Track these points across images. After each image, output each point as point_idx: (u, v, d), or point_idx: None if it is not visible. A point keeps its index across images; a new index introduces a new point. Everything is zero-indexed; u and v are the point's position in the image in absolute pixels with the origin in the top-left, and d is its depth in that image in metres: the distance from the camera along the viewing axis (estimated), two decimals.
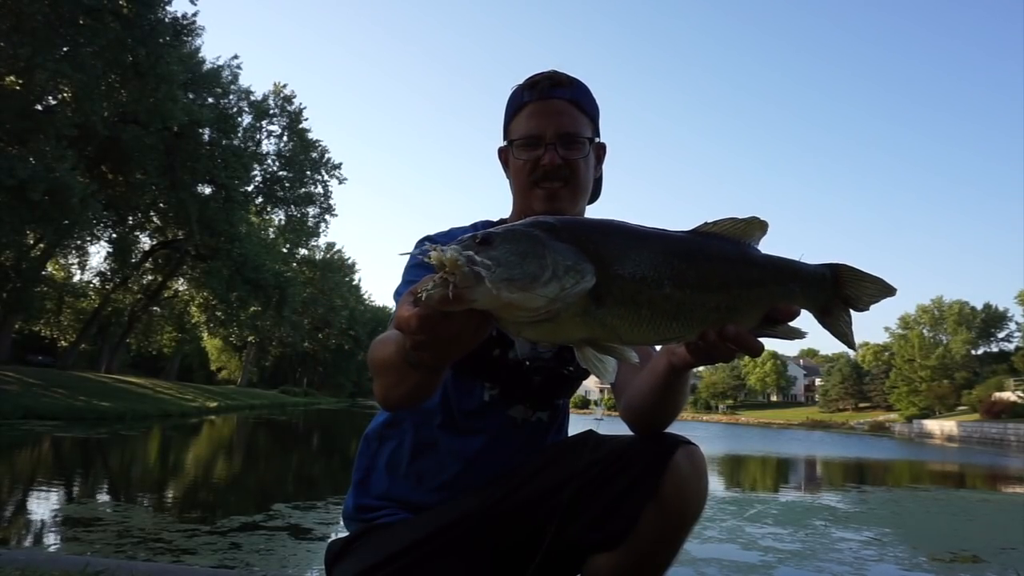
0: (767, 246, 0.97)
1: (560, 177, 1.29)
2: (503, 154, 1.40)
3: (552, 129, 1.29)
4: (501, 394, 1.33)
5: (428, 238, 1.34)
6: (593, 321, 0.80)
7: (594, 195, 1.45)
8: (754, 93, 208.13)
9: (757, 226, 0.93)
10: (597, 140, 1.37)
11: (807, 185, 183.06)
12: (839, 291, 0.98)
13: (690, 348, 0.94)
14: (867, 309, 1.00)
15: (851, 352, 1.04)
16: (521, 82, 1.35)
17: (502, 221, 1.41)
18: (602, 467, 1.19)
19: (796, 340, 0.95)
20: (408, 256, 1.31)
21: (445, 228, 1.39)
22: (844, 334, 1.00)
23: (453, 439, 1.31)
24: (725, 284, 0.89)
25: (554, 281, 0.75)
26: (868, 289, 0.98)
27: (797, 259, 0.98)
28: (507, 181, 1.41)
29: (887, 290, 0.98)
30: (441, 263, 0.72)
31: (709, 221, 0.93)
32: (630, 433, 1.26)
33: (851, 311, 1.00)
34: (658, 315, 0.83)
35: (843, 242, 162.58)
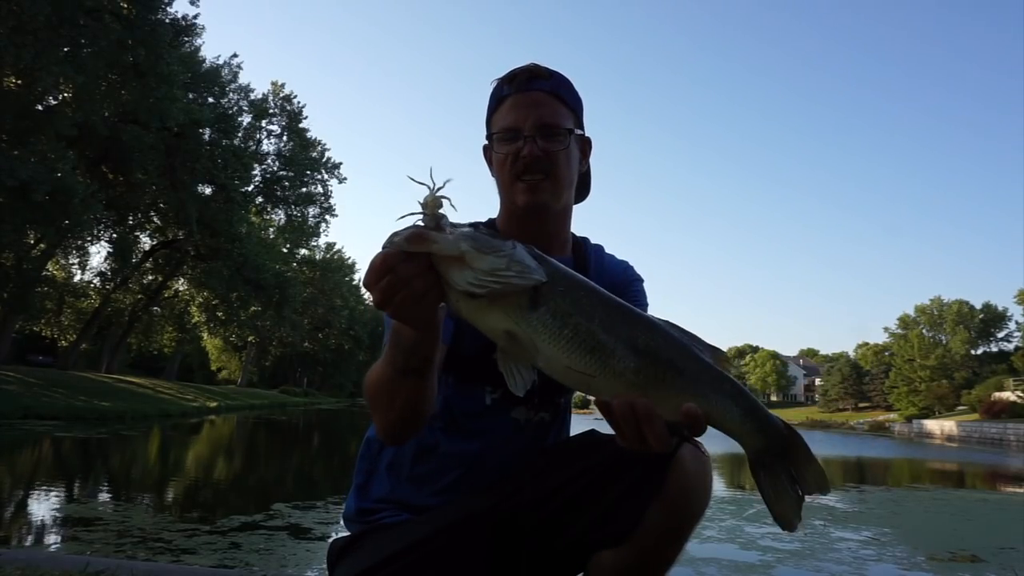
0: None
1: (540, 169, 1.25)
2: (487, 152, 1.37)
3: (531, 121, 1.25)
4: (503, 397, 1.32)
5: None
6: (521, 319, 0.84)
7: (583, 191, 1.43)
8: (748, 100, 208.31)
9: (724, 357, 0.93)
10: (580, 133, 1.34)
11: (807, 187, 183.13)
12: (788, 456, 0.91)
13: (607, 416, 0.90)
14: (802, 498, 0.91)
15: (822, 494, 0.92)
16: (500, 76, 1.32)
17: (491, 222, 1.40)
18: (606, 465, 1.20)
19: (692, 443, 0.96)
20: None
21: None
22: (774, 504, 0.91)
23: (455, 442, 1.30)
24: (653, 354, 0.87)
25: (507, 259, 0.83)
26: (813, 473, 0.91)
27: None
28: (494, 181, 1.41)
29: (824, 487, 0.91)
30: (426, 203, 0.85)
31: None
32: None
33: (799, 492, 0.92)
34: (577, 340, 0.85)
35: (842, 243, 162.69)
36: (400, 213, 0.86)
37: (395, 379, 1.02)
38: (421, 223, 0.84)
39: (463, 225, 0.86)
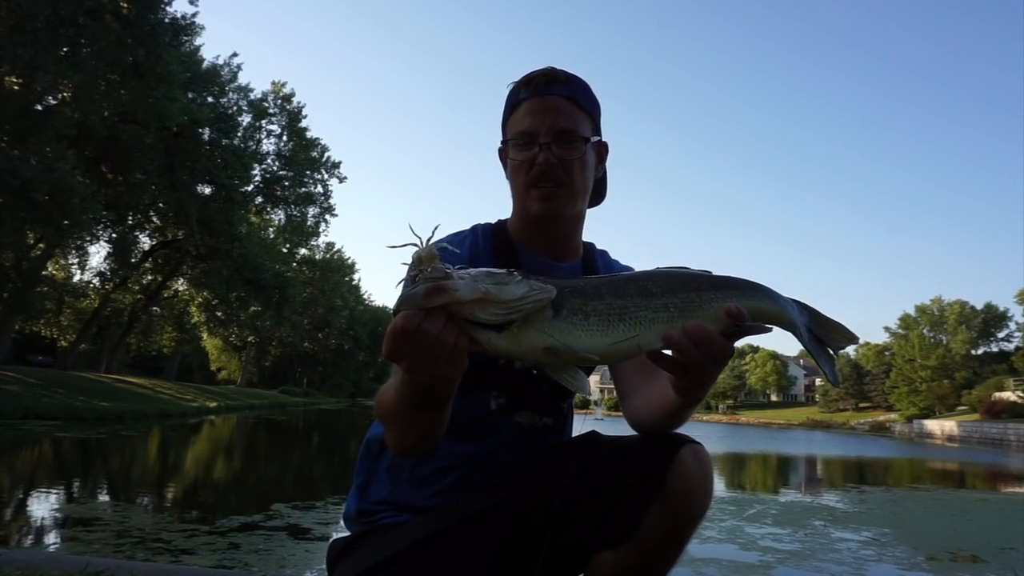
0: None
1: (555, 178, 1.24)
2: (502, 154, 1.36)
3: (547, 127, 1.24)
4: (508, 402, 1.32)
5: None
6: (554, 329, 0.89)
7: (599, 196, 1.42)
8: (748, 98, 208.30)
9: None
10: (597, 139, 1.32)
11: (807, 185, 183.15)
12: (816, 323, 1.06)
13: (666, 363, 0.95)
14: (834, 356, 1.09)
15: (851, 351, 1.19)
16: (518, 79, 1.30)
17: (501, 224, 1.40)
18: (606, 466, 1.19)
19: (762, 334, 0.99)
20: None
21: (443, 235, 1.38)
22: (826, 364, 1.07)
23: (457, 445, 1.29)
24: (668, 288, 0.95)
25: (525, 284, 0.87)
26: (837, 329, 1.07)
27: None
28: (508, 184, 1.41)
29: (851, 337, 1.07)
30: (419, 258, 0.84)
31: None
32: (633, 433, 1.26)
33: (830, 351, 1.08)
34: (604, 319, 0.92)
35: (843, 242, 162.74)
36: (400, 222, 0.87)
37: (410, 413, 1.03)
38: (422, 280, 0.83)
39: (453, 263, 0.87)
